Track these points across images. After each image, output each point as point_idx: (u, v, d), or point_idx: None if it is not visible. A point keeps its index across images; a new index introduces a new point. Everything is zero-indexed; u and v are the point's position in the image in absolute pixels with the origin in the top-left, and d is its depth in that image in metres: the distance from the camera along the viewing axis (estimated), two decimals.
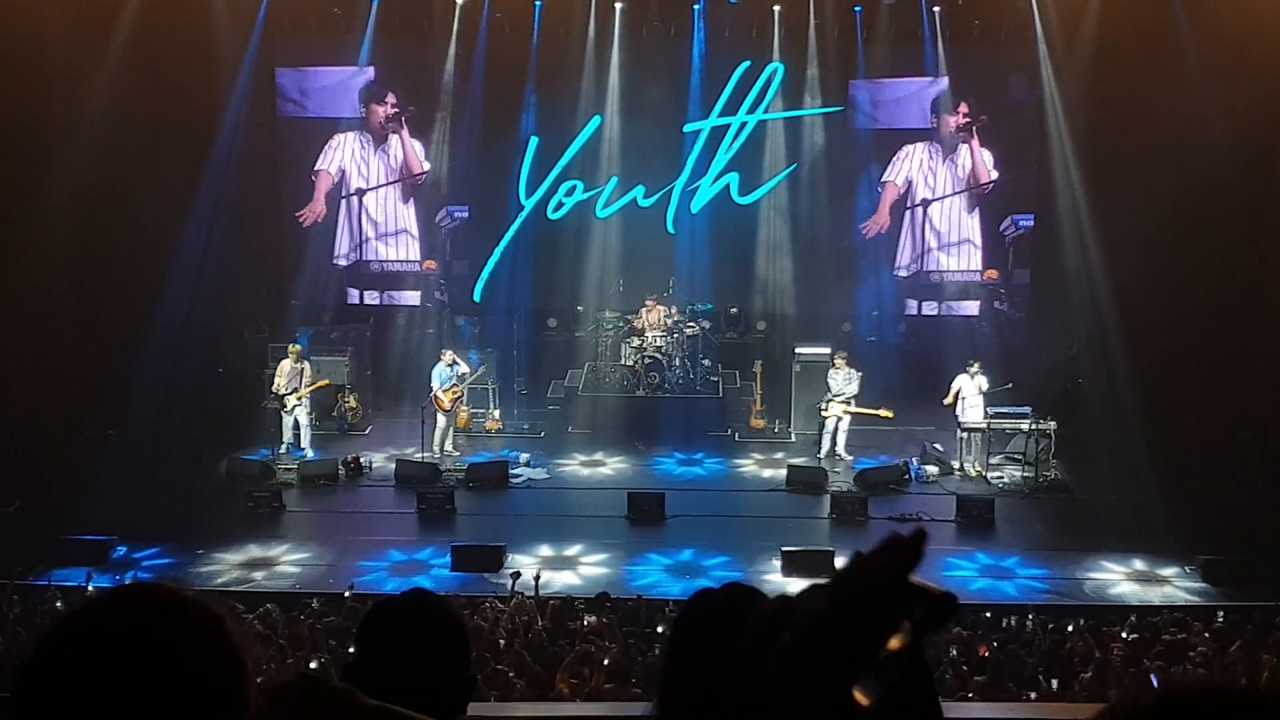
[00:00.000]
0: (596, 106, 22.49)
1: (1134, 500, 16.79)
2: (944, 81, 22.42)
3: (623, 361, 20.83)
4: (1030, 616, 12.71)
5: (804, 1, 22.00)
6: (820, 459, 19.00)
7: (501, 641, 11.12)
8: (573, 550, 15.72)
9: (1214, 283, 19.56)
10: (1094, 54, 20.82)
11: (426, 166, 23.02)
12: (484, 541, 15.55)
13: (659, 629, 11.71)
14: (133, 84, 19.26)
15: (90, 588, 12.90)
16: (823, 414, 19.12)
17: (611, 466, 19.08)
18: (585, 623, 11.89)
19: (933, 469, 18.49)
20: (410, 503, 17.15)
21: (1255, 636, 11.93)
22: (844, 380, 19.02)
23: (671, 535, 16.35)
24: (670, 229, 22.54)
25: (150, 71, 19.39)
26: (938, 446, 18.88)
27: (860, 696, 1.41)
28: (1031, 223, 22.87)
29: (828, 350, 19.76)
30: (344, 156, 22.99)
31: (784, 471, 18.27)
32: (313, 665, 9.95)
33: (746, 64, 22.24)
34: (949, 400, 18.57)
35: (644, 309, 20.68)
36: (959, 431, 18.71)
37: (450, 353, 19.32)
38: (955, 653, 10.98)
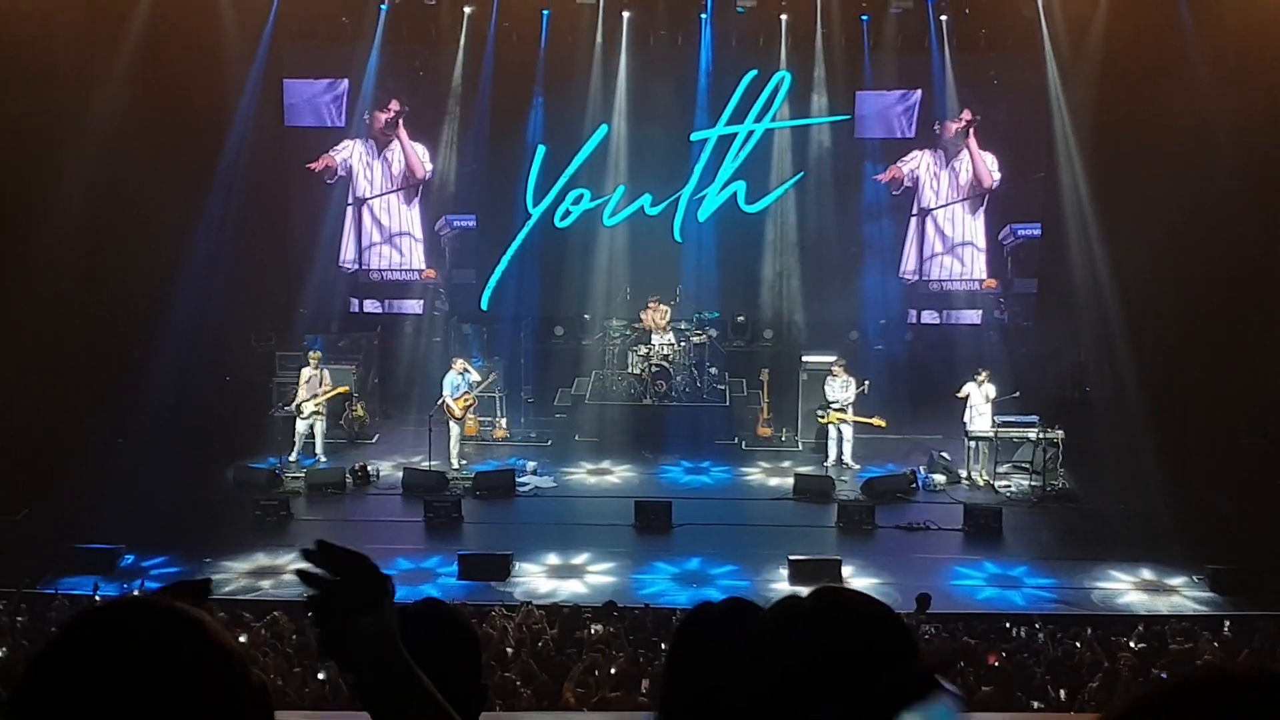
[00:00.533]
0: (604, 115, 22.53)
1: (1142, 509, 16.77)
2: (948, 90, 22.42)
3: (630, 370, 20.85)
4: (1038, 626, 12.69)
5: (811, 10, 22.02)
6: (827, 467, 19.00)
7: (509, 650, 11.12)
8: (580, 559, 15.72)
9: (1222, 290, 19.52)
10: (1101, 61, 20.83)
11: (430, 168, 23.07)
12: (491, 550, 15.55)
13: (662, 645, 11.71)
14: (141, 93, 19.33)
15: (97, 596, 12.91)
16: (820, 421, 19.19)
17: (618, 475, 19.08)
18: (592, 631, 11.88)
19: (940, 478, 18.47)
20: (417, 511, 17.16)
21: (1263, 645, 11.92)
22: (840, 388, 19.05)
23: (678, 544, 16.34)
24: (677, 237, 22.58)
25: (159, 80, 19.46)
26: (945, 455, 18.86)
27: None
28: (1032, 232, 22.91)
29: (834, 358, 19.77)
30: (351, 158, 23.06)
31: (791, 480, 18.29)
32: (320, 676, 9.95)
33: (753, 73, 22.28)
34: (962, 394, 18.57)
35: (646, 310, 20.75)
36: (966, 440, 18.69)
37: (462, 361, 19.35)
38: (963, 662, 10.96)
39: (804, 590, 1.96)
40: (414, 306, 23.32)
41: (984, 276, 23.12)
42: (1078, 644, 12.00)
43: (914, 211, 23.13)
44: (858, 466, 19.02)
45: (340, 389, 19.48)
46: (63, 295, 18.97)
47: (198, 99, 20.17)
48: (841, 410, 19.02)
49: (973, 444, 18.67)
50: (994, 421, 18.46)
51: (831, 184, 22.74)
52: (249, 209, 21.70)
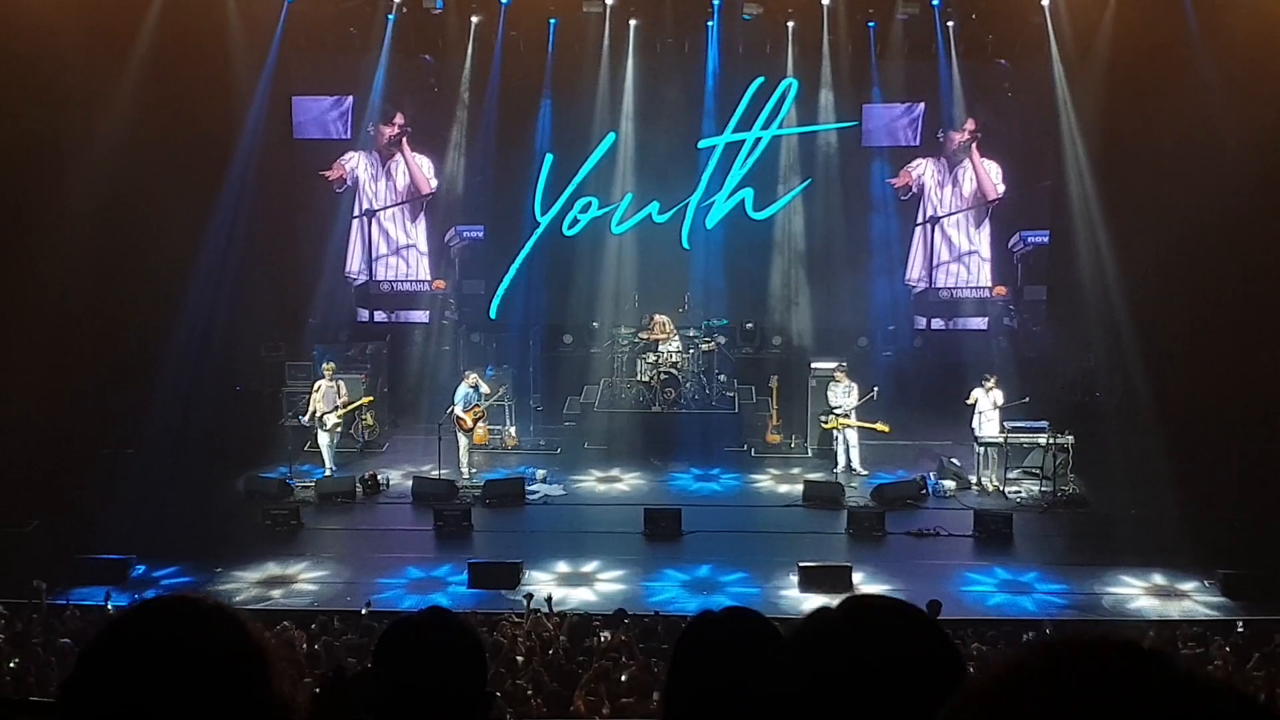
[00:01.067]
0: (611, 123, 22.56)
1: (1152, 514, 16.74)
2: (955, 96, 22.41)
3: (638, 377, 20.87)
4: (1049, 631, 12.65)
5: (818, 17, 22.01)
6: (837, 474, 18.99)
7: (519, 658, 11.12)
8: (589, 567, 15.72)
9: (1230, 295, 19.46)
10: (1108, 68, 20.80)
11: (434, 184, 23.11)
12: (501, 558, 15.58)
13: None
14: (150, 103, 19.36)
15: (110, 606, 12.95)
16: (823, 426, 19.21)
17: (628, 482, 19.08)
18: (602, 639, 11.88)
19: (950, 484, 18.45)
20: (427, 520, 17.20)
21: (1275, 650, 11.87)
22: (843, 393, 19.06)
23: (688, 551, 16.35)
24: (685, 245, 22.60)
25: (167, 91, 19.49)
26: (955, 461, 18.85)
27: None
28: (1042, 239, 22.88)
29: (837, 364, 19.76)
30: (357, 168, 23.12)
31: (800, 486, 18.27)
32: None
33: (760, 80, 22.29)
34: (970, 401, 18.55)
35: (649, 329, 20.89)
36: (976, 446, 18.67)
37: (474, 374, 19.33)
38: (974, 669, 10.93)
39: (819, 600, 1.96)
40: (421, 316, 23.35)
41: (989, 285, 23.10)
42: None
43: (919, 220, 23.13)
44: (866, 473, 19.00)
45: (365, 399, 19.58)
46: (73, 307, 19.04)
47: (206, 111, 20.20)
48: (844, 416, 19.02)
49: (982, 450, 18.66)
50: (1004, 427, 18.45)
51: (839, 191, 22.74)
52: (257, 220, 21.74)
